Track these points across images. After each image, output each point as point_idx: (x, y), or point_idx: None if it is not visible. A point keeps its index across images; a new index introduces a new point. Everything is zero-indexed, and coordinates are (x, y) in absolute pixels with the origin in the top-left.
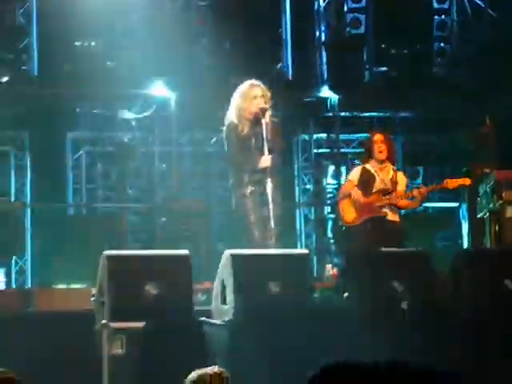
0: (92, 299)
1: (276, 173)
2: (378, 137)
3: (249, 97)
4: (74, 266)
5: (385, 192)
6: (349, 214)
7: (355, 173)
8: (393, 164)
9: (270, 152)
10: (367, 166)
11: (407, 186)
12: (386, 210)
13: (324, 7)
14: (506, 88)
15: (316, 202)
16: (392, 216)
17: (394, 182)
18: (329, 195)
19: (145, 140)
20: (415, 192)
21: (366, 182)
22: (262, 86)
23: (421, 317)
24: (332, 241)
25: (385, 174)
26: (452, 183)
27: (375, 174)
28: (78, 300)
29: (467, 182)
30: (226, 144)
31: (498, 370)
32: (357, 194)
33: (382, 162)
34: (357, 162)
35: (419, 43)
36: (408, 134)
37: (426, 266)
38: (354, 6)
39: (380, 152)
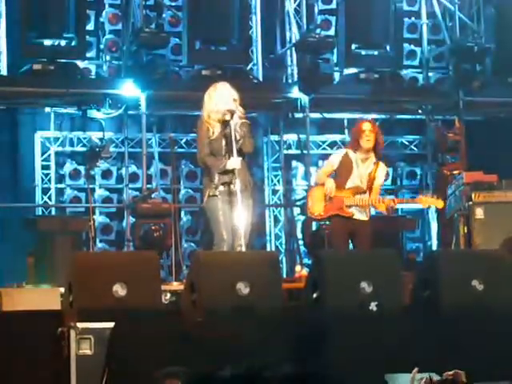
0: (60, 299)
1: (245, 174)
2: (366, 125)
3: (216, 98)
4: (42, 267)
5: (358, 191)
6: (316, 205)
7: (337, 157)
8: (378, 156)
9: (239, 153)
10: (350, 153)
11: (388, 175)
12: (352, 210)
13: (294, 8)
14: (476, 90)
15: (286, 202)
16: (359, 215)
17: (372, 178)
18: (298, 196)
19: (114, 140)
20: (387, 201)
21: (343, 171)
22: (230, 86)
23: (390, 317)
24: (301, 242)
25: (364, 168)
26: (425, 201)
27: (354, 166)
28: (47, 300)
29: (440, 204)
30: (198, 145)
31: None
32: (330, 185)
33: (367, 151)
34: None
35: (389, 45)
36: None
37: (393, 267)
38: (325, 7)
39: (368, 140)
